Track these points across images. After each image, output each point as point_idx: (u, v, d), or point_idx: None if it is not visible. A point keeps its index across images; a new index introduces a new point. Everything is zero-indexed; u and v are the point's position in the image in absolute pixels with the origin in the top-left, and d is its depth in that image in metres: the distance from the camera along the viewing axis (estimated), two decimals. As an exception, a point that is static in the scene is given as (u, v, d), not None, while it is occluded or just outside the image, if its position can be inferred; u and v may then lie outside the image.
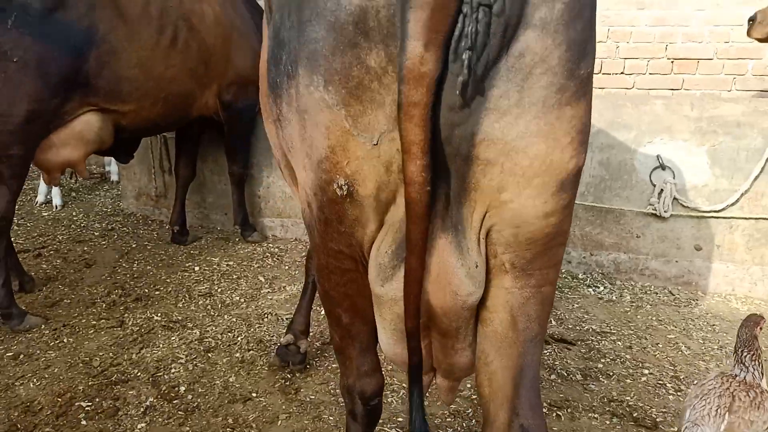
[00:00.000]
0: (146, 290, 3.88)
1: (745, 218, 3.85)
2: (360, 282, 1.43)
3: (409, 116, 1.07)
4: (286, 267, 4.33)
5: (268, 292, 3.92)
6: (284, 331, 3.16)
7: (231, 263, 4.37)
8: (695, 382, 2.45)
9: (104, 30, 3.30)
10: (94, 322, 3.43)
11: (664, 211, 3.90)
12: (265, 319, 3.53)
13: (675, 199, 3.88)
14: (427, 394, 2.15)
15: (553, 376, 2.96)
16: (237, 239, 4.84)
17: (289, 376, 2.94)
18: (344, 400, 1.78)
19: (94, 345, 3.19)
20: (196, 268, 4.26)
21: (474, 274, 1.29)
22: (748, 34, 3.74)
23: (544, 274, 1.34)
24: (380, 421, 1.90)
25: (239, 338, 3.31)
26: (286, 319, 3.52)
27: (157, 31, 3.57)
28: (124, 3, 3.43)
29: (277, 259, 4.49)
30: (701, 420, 2.17)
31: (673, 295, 4.00)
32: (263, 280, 4.09)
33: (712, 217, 3.89)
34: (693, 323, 3.61)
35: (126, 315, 3.53)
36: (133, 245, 4.69)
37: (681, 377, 3.00)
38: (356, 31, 1.10)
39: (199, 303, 3.73)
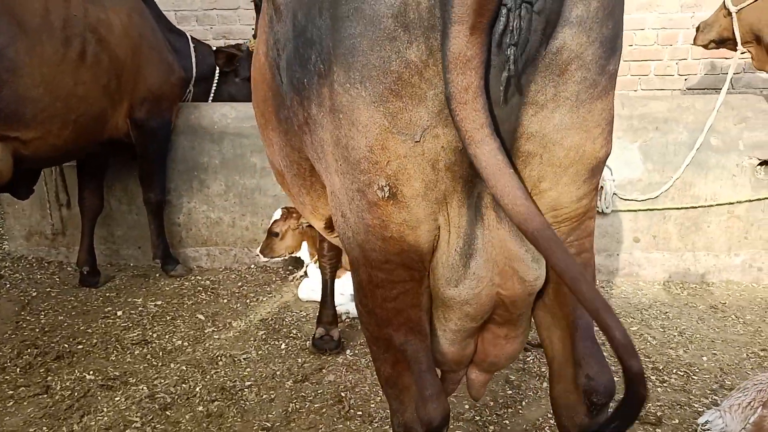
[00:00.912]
0: (66, 345, 3.31)
1: (677, 208, 4.05)
2: (414, 292, 1.35)
3: (462, 103, 1.04)
4: (225, 300, 3.92)
5: (213, 331, 3.50)
6: (314, 326, 3.29)
7: (159, 303, 3.88)
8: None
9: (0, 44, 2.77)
10: (11, 392, 2.85)
11: (606, 208, 4.00)
12: (220, 363, 3.14)
13: (614, 194, 4.00)
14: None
15: (545, 385, 2.88)
16: (158, 275, 4.33)
17: (268, 425, 2.60)
18: None
19: (18, 420, 2.64)
20: (119, 313, 3.73)
21: (538, 258, 1.33)
22: (694, 41, 4.03)
23: (581, 243, 1.42)
24: None
25: (197, 388, 2.89)
26: (244, 359, 3.16)
27: (62, 44, 3.07)
28: (20, 12, 2.91)
29: (212, 292, 4.05)
30: (730, 409, 2.16)
31: (620, 287, 4.11)
32: (203, 318, 3.66)
33: (648, 209, 4.06)
34: (647, 313, 3.72)
35: (50, 378, 2.97)
36: (34, 293, 4.02)
37: (660, 367, 3.05)
38: (396, 24, 1.07)
39: (136, 353, 3.24)
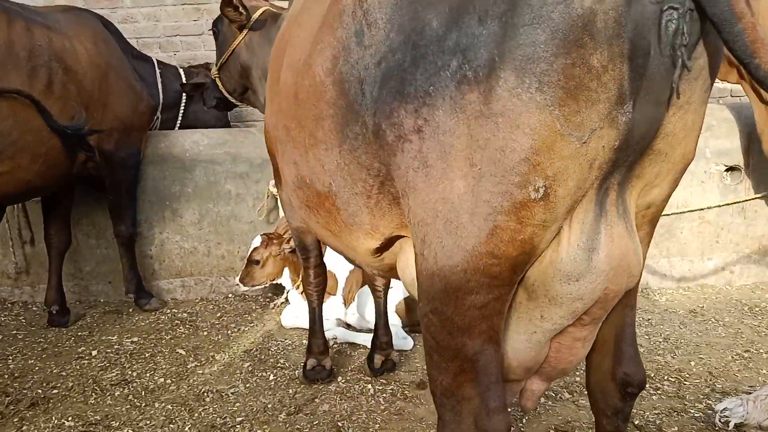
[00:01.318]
0: (39, 391, 3.13)
1: (651, 216, 4.13)
2: (505, 298, 1.37)
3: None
4: (205, 333, 3.79)
5: (196, 365, 3.37)
6: (301, 353, 3.24)
7: (136, 339, 3.72)
8: None
9: (-38, 76, 2.65)
10: (-16, 446, 2.68)
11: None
12: (207, 399, 3.01)
13: (590, 205, 4.06)
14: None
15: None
16: (131, 310, 4.16)
17: (265, 461, 2.51)
18: None
19: (-4, 476, 2.47)
20: (94, 353, 3.56)
21: (640, 253, 1.44)
22: None
23: (648, 240, 1.58)
24: None
25: (186, 428, 2.76)
26: (232, 393, 3.05)
27: (28, 75, 2.95)
28: (-18, 43, 2.79)
29: (191, 325, 3.92)
30: (756, 399, 2.19)
31: (600, 297, 4.15)
32: (184, 352, 3.53)
33: (623, 218, 4.12)
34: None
35: (25, 428, 2.80)
36: (-1, 337, 3.82)
37: (651, 375, 3.07)
38: (584, 32, 1.12)
39: (116, 395, 3.09)
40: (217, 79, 3.87)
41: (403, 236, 1.65)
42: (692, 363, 3.21)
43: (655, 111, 1.25)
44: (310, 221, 2.07)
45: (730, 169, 4.15)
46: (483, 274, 1.32)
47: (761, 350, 3.30)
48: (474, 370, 1.40)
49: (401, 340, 3.45)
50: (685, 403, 2.82)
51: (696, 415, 2.71)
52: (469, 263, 1.32)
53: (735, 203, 4.16)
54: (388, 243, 1.70)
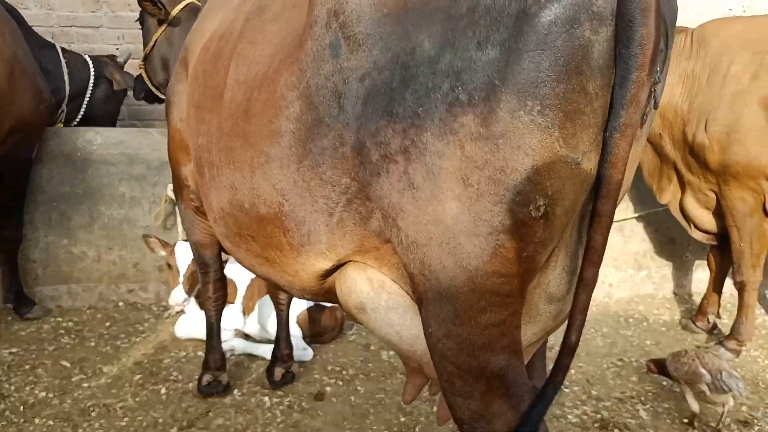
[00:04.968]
0: None
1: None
2: (519, 312, 1.40)
3: (624, 135, 1.23)
4: (93, 344, 3.61)
5: (82, 378, 3.20)
6: (196, 365, 3.19)
7: (15, 350, 3.48)
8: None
9: None
10: None
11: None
12: (93, 414, 2.87)
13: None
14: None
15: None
16: (10, 318, 3.88)
17: (154, 479, 2.43)
18: None
19: None
20: (-34, 365, 3.30)
21: None
22: None
23: None
24: None
25: (68, 445, 2.63)
26: (120, 408, 2.93)
27: None
28: None
29: (76, 335, 3.71)
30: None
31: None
32: (68, 365, 3.34)
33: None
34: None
35: None
36: None
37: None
38: (583, 60, 1.20)
39: (-10, 410, 2.88)
40: (142, 71, 3.72)
41: (351, 261, 1.64)
42: (572, 371, 3.45)
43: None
44: (237, 251, 2.01)
45: (611, 190, 4.49)
46: (493, 294, 1.34)
47: (632, 359, 3.60)
48: (504, 385, 1.40)
49: (301, 351, 3.45)
50: (564, 409, 3.03)
51: (573, 420, 2.92)
52: (476, 283, 1.33)
53: (615, 222, 4.51)
54: (337, 267, 1.69)
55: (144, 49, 3.69)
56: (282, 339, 3.14)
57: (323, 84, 1.45)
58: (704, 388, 2.67)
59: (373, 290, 1.67)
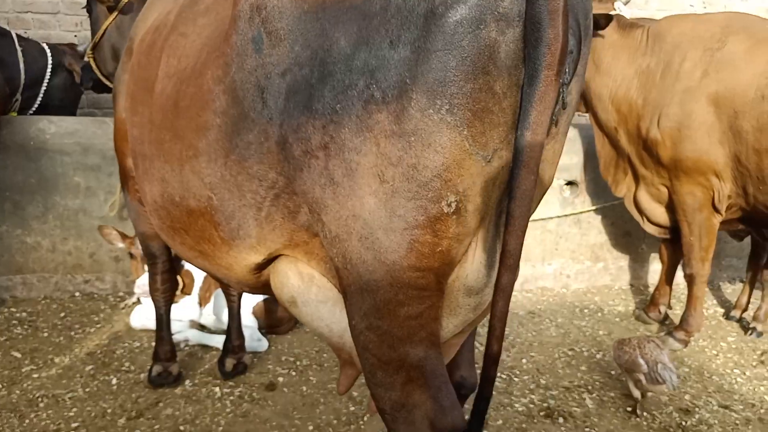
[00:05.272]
0: None
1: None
2: (438, 305, 1.44)
3: (535, 134, 1.25)
4: (45, 334, 3.57)
5: (32, 369, 3.18)
6: (149, 356, 3.17)
7: (-36, 341, 3.44)
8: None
9: None
10: None
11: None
12: (41, 404, 2.86)
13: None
14: None
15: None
16: (-38, 309, 3.84)
17: (98, 469, 2.43)
18: None
19: None
20: None
21: None
22: None
23: None
24: None
25: (12, 436, 2.62)
26: (69, 398, 2.91)
27: None
28: None
29: (29, 325, 3.67)
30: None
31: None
32: (19, 355, 3.31)
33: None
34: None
35: None
36: None
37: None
38: (490, 60, 1.22)
39: (-65, 402, 2.85)
40: (91, 60, 3.66)
41: (283, 255, 1.66)
42: (524, 360, 3.51)
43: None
44: (173, 244, 2.01)
45: (569, 183, 4.56)
46: (410, 287, 1.37)
47: (583, 349, 3.68)
48: (423, 376, 1.44)
49: (256, 342, 3.46)
50: (512, 398, 3.09)
51: (519, 408, 2.98)
52: (394, 277, 1.36)
53: (572, 215, 4.59)
54: (270, 260, 1.70)
55: (92, 37, 3.64)
56: (233, 330, 3.15)
57: (247, 78, 1.46)
58: (641, 377, 2.75)
59: (304, 284, 1.69)
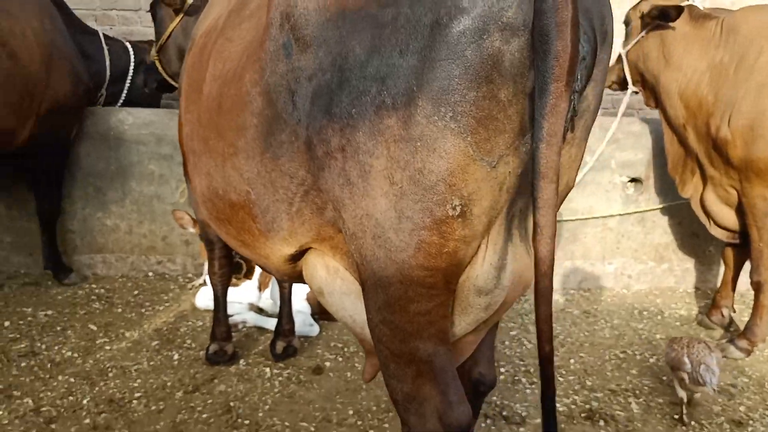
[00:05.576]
0: (-56, 359, 3.20)
1: (558, 220, 4.39)
2: (447, 303, 1.51)
3: (549, 144, 1.28)
4: (120, 310, 3.89)
5: (105, 342, 3.48)
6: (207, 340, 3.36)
7: (50, 312, 3.80)
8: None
9: None
10: None
11: (493, 219, 4.28)
12: (110, 374, 3.13)
13: (501, 207, 4.28)
14: None
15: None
16: (50, 283, 4.22)
17: (155, 437, 2.66)
18: None
19: None
20: (7, 323, 3.63)
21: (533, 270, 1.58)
22: None
23: None
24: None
25: (84, 401, 2.89)
26: (135, 370, 3.18)
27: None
28: None
29: (106, 301, 4.01)
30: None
31: (505, 293, 4.40)
32: (95, 328, 3.63)
33: (532, 221, 4.37)
34: (527, 318, 4.03)
35: (-76, 395, 2.88)
36: None
37: (531, 371, 3.33)
38: (493, 69, 1.26)
39: (22, 365, 3.18)
40: (156, 62, 3.92)
41: (312, 248, 1.76)
42: (572, 360, 3.48)
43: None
44: (221, 233, 2.17)
45: (633, 180, 4.43)
46: (419, 285, 1.44)
47: (636, 352, 3.60)
48: (432, 371, 1.52)
49: (308, 327, 3.62)
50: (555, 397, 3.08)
51: (561, 409, 2.97)
52: (404, 275, 1.43)
53: (636, 213, 4.45)
54: (302, 252, 1.81)
55: (158, 39, 3.87)
56: (284, 314, 3.31)
57: (279, 82, 1.55)
58: (684, 376, 2.70)
59: (329, 276, 1.79)
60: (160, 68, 3.93)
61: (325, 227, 1.66)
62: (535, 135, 1.30)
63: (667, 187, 4.38)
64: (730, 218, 3.76)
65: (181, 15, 3.64)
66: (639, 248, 4.55)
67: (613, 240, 4.50)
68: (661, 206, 4.46)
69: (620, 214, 4.42)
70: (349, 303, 1.77)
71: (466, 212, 1.36)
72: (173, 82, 3.97)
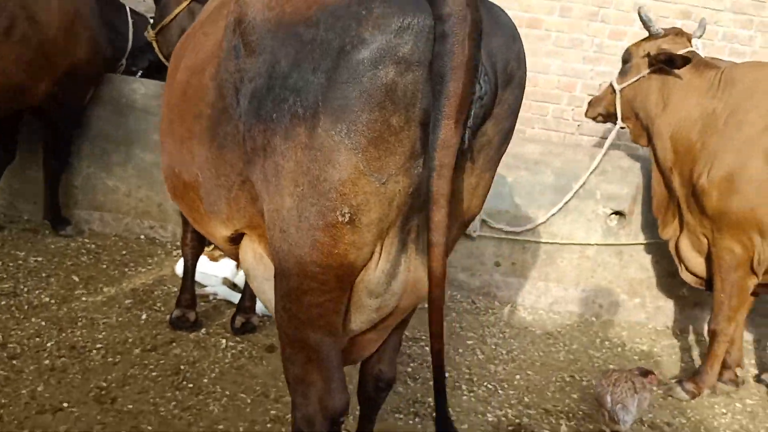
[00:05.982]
0: (-67, 287, 3.47)
1: (536, 241, 4.49)
2: (339, 300, 1.67)
3: (439, 176, 1.44)
4: (104, 266, 4.13)
5: (83, 293, 3.72)
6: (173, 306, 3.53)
7: (40, 259, 4.06)
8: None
9: None
10: None
11: (473, 232, 4.40)
12: (79, 323, 3.37)
13: (483, 221, 4.40)
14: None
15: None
16: (47, 232, 4.49)
17: (104, 385, 2.86)
18: None
19: None
20: (-3, 264, 3.90)
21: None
22: (585, 113, 4.37)
23: None
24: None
25: (48, 344, 3.12)
26: (103, 323, 3.40)
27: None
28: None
29: (94, 256, 4.25)
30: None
31: (475, 304, 4.52)
32: (77, 279, 3.87)
33: (511, 238, 4.47)
34: (488, 330, 4.14)
35: None
36: None
37: (474, 380, 3.45)
38: (386, 97, 1.40)
39: (1, 303, 3.43)
40: (154, 42, 4.12)
41: (246, 233, 1.94)
42: (518, 377, 3.59)
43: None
44: (179, 208, 2.37)
45: (617, 213, 4.50)
46: (313, 280, 1.61)
47: (584, 378, 3.68)
48: (318, 359, 1.72)
49: (273, 307, 3.79)
50: (489, 408, 3.21)
51: (490, 419, 3.11)
52: (301, 269, 1.61)
53: (615, 245, 4.52)
54: (240, 236, 1.99)
55: (157, 21, 4.06)
56: (247, 292, 3.50)
57: (229, 79, 1.72)
58: (605, 412, 2.79)
59: (255, 261, 1.97)
60: (156, 49, 4.13)
61: (256, 216, 1.83)
62: (427, 164, 1.45)
63: (649, 225, 4.43)
64: (699, 265, 3.82)
65: (188, 0, 3.83)
66: (614, 280, 4.61)
67: (589, 268, 4.57)
68: (641, 242, 4.51)
69: (599, 244, 4.49)
70: (268, 288, 1.94)
71: (355, 220, 1.52)
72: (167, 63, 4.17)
